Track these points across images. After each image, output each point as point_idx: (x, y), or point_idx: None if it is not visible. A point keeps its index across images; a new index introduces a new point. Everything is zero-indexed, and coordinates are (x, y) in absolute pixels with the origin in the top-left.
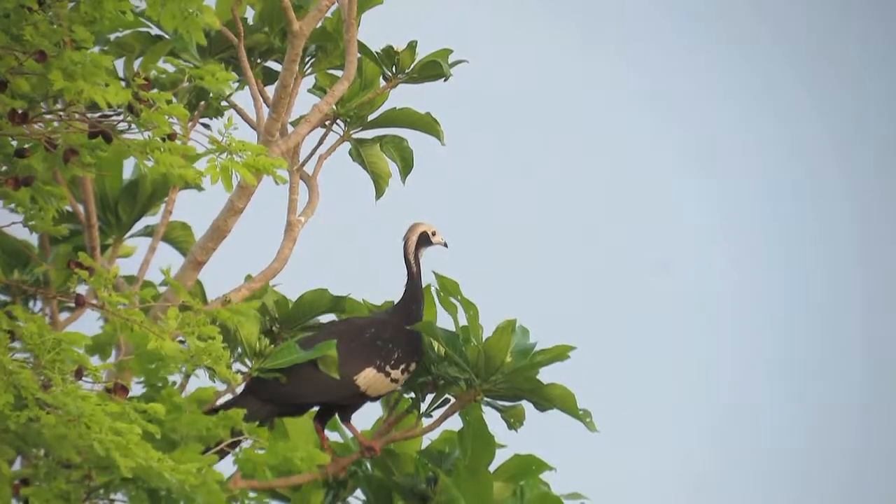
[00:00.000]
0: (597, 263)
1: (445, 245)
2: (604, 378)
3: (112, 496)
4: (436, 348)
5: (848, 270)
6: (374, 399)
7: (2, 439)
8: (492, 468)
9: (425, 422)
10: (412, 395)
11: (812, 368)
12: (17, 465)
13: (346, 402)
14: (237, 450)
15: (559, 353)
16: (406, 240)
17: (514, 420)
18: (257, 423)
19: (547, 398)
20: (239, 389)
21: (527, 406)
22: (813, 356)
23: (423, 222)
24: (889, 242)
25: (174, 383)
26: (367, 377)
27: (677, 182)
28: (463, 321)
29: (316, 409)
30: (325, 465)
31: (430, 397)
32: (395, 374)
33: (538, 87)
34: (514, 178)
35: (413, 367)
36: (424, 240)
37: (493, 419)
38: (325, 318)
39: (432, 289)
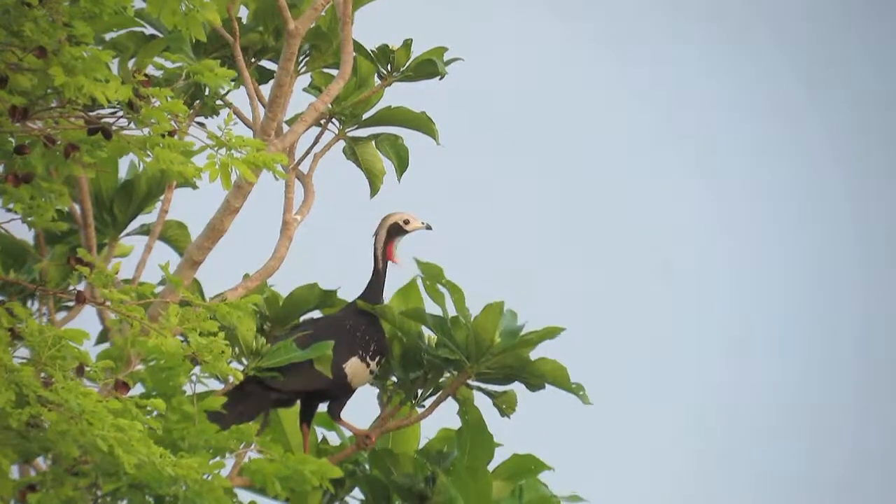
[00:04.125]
0: (596, 263)
1: (428, 227)
2: (603, 378)
3: (118, 503)
4: (426, 338)
5: (848, 270)
6: (353, 390)
7: (3, 439)
8: (491, 468)
9: (419, 412)
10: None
11: (811, 368)
12: (18, 472)
13: (334, 392)
14: (246, 459)
15: (549, 332)
16: (375, 234)
17: (506, 406)
18: (255, 415)
19: (538, 374)
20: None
21: (521, 400)
22: (812, 356)
23: (395, 212)
24: (889, 242)
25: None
26: (353, 366)
27: (677, 182)
28: (450, 307)
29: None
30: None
31: (421, 390)
32: (373, 365)
33: (535, 85)
34: (510, 177)
35: (383, 359)
36: (396, 230)
37: (491, 420)
38: (315, 315)
39: (418, 278)
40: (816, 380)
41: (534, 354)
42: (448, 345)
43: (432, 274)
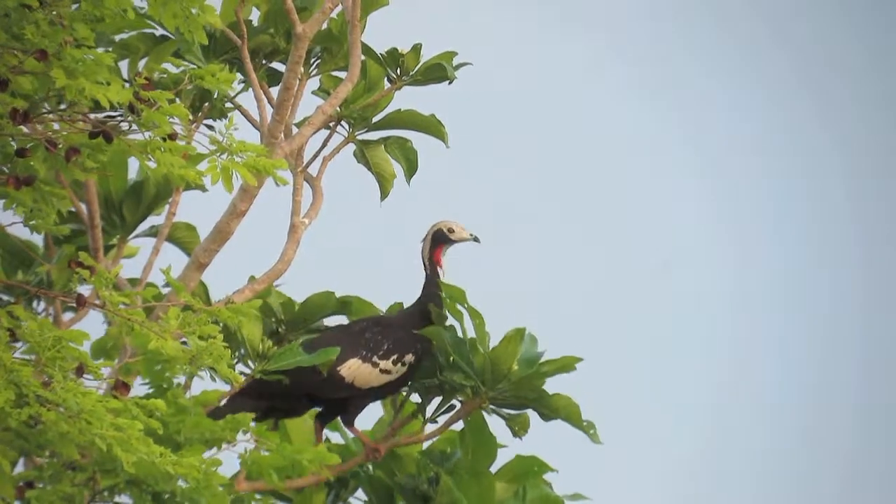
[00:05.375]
0: (597, 263)
1: (475, 240)
2: (604, 378)
3: (116, 499)
4: (443, 354)
5: (848, 270)
6: (366, 392)
7: (2, 439)
8: (494, 469)
9: (430, 427)
10: (417, 397)
11: (812, 369)
12: (20, 467)
13: (336, 395)
14: (243, 451)
15: (565, 364)
16: (423, 240)
17: (518, 428)
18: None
19: (551, 408)
20: None
21: (531, 412)
22: (812, 356)
23: (443, 220)
24: (889, 242)
25: (179, 384)
26: (352, 368)
27: (677, 182)
28: (470, 328)
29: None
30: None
31: (436, 401)
32: (385, 364)
33: (541, 88)
34: (517, 179)
35: (410, 358)
36: (441, 238)
37: (497, 420)
38: (331, 321)
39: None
40: (816, 380)
41: (550, 384)
42: (464, 369)
43: (454, 296)
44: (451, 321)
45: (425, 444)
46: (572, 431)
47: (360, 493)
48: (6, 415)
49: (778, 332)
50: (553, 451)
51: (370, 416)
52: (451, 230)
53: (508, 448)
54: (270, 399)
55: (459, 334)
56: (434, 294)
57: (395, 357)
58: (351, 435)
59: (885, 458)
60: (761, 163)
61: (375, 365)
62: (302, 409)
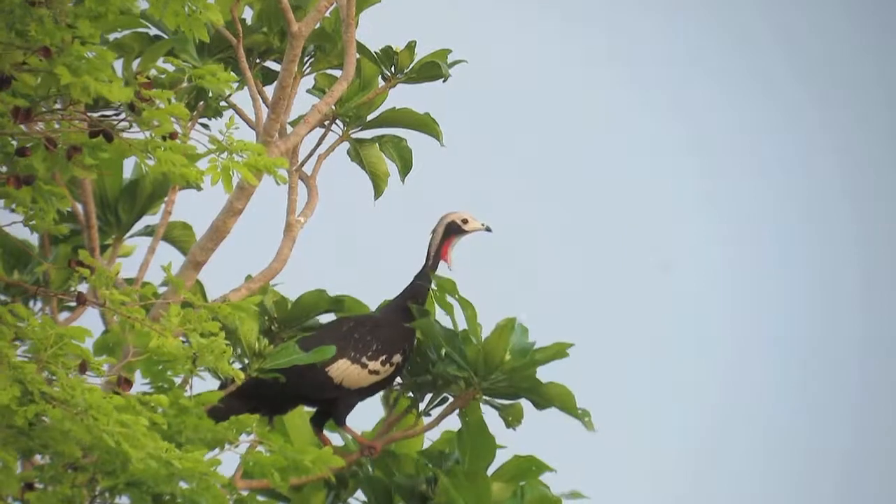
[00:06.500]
0: (596, 263)
1: (488, 229)
2: (603, 377)
3: (116, 500)
4: (435, 347)
5: (847, 271)
6: (357, 392)
7: (7, 437)
8: (492, 469)
9: (425, 421)
10: (411, 394)
11: (811, 369)
12: (20, 468)
13: (326, 395)
14: (245, 451)
15: (558, 351)
16: (433, 232)
17: (511, 418)
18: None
19: (546, 397)
20: None
21: (525, 405)
22: (812, 356)
23: (454, 211)
24: (889, 242)
25: (179, 384)
26: (340, 369)
27: (677, 182)
28: (461, 321)
29: (312, 411)
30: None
31: (429, 396)
32: (374, 365)
33: (538, 86)
34: (513, 178)
35: (398, 358)
36: (454, 229)
37: (492, 418)
38: (325, 318)
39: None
40: (816, 380)
41: (543, 372)
42: (457, 360)
43: (445, 288)
44: (439, 313)
45: (424, 443)
46: (569, 430)
47: (359, 493)
48: (12, 412)
49: (777, 332)
50: (550, 450)
51: (370, 416)
52: (465, 221)
53: (506, 448)
54: (258, 399)
55: (450, 326)
56: (420, 288)
57: (383, 358)
58: (348, 435)
59: (884, 458)
60: (761, 163)
61: (364, 366)
62: (288, 407)
